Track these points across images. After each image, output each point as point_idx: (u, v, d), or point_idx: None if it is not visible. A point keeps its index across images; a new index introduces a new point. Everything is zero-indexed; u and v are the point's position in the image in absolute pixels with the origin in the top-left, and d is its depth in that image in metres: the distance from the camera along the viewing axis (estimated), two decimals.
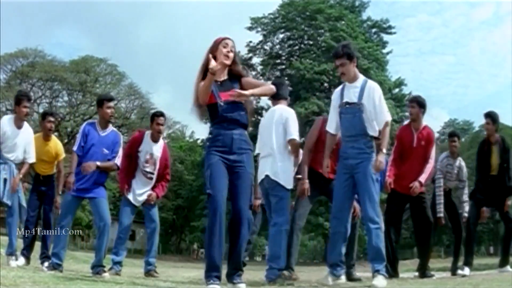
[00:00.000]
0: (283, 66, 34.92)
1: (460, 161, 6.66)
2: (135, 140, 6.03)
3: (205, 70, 3.66)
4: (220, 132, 3.65)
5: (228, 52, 3.70)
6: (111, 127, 5.47)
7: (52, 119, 6.56)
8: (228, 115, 3.63)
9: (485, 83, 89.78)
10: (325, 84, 33.28)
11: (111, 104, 5.43)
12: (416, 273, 6.17)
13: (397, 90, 35.13)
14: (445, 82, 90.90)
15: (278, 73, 35.05)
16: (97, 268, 5.27)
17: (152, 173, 5.93)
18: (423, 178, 5.39)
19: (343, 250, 4.42)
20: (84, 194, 5.35)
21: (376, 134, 4.21)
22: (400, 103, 33.81)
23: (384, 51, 35.49)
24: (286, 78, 34.09)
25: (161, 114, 6.08)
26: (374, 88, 4.25)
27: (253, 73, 34.77)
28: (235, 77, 3.78)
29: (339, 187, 4.31)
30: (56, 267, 5.31)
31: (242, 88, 3.68)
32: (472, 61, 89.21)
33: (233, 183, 3.62)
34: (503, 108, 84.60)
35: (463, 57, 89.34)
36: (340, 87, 4.41)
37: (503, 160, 6.15)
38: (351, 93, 4.24)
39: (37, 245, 6.77)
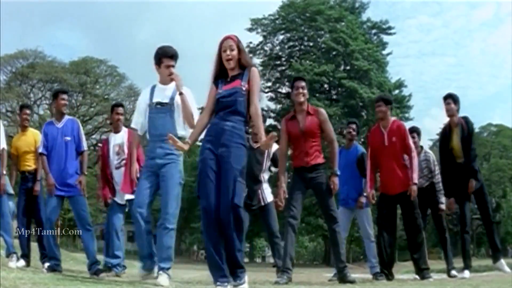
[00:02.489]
0: (283, 67, 34.83)
1: (425, 154, 6.47)
2: (103, 150, 6.06)
3: (215, 75, 3.72)
4: (215, 121, 3.61)
5: (227, 55, 3.65)
6: (66, 117, 5.67)
7: (28, 111, 6.72)
8: (224, 100, 3.59)
9: (485, 84, 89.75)
10: (325, 86, 33.25)
11: (65, 96, 5.74)
12: (416, 276, 6.17)
13: (397, 91, 35.10)
14: (445, 83, 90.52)
15: (278, 75, 35.05)
16: (94, 266, 5.34)
17: (124, 158, 5.89)
18: (415, 177, 5.33)
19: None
20: (62, 192, 5.46)
21: (184, 133, 4.22)
22: (400, 104, 33.78)
23: (384, 52, 35.48)
24: (286, 80, 34.14)
25: (120, 104, 6.42)
26: (186, 91, 4.28)
27: None
28: (244, 68, 3.71)
29: (142, 185, 4.29)
30: (55, 267, 5.34)
31: (248, 79, 3.63)
32: (473, 62, 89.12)
33: (220, 178, 3.52)
34: (503, 109, 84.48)
35: (464, 58, 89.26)
36: (150, 87, 4.45)
37: (466, 144, 5.87)
38: (163, 94, 4.27)
39: (33, 245, 6.76)
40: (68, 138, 5.50)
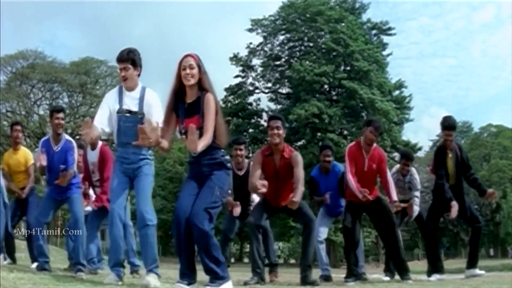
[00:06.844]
0: (283, 68, 34.83)
1: (411, 175, 6.60)
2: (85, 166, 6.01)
3: (175, 94, 3.65)
4: (193, 160, 3.64)
5: (187, 73, 3.55)
6: (63, 139, 5.41)
7: (19, 127, 6.62)
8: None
9: (485, 85, 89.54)
10: (325, 86, 33.23)
11: (60, 115, 5.42)
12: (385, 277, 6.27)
13: (397, 92, 35.11)
14: (446, 85, 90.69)
15: (278, 75, 35.06)
16: (75, 266, 5.36)
17: (98, 179, 6.00)
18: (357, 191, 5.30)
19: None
20: (59, 197, 5.41)
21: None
22: (400, 105, 33.80)
23: (385, 53, 35.46)
24: (286, 80, 34.14)
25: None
26: (151, 95, 4.25)
27: (253, 74, 34.82)
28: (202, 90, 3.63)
29: (118, 188, 4.27)
30: (44, 265, 5.36)
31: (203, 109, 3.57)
32: (473, 64, 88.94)
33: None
34: (503, 110, 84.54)
35: (464, 60, 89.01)
36: (117, 89, 4.38)
37: (459, 169, 6.03)
38: (131, 102, 4.21)
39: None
40: (63, 166, 5.29)
